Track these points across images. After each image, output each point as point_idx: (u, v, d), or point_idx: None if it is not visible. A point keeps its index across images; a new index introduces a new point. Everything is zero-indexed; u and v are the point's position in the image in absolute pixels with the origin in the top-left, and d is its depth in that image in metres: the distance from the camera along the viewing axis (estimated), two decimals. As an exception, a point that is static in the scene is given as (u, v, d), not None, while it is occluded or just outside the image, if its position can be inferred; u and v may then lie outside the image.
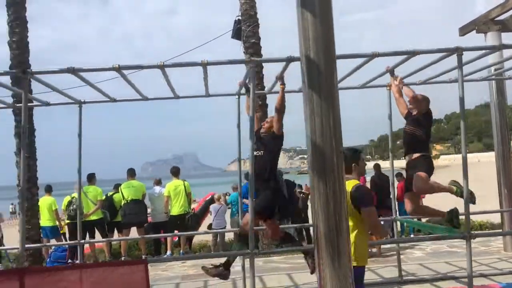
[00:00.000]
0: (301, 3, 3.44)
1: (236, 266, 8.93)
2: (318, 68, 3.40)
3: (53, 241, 10.94)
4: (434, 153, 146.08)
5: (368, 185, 11.96)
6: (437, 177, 6.10)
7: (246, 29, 10.47)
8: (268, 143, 5.86)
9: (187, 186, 10.74)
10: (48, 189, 11.50)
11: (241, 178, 7.78)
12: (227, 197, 13.99)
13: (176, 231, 10.36)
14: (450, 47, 5.43)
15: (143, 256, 10.57)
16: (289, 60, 5.26)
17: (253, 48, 10.49)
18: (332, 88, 3.41)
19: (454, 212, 5.82)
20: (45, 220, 10.92)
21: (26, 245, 9.86)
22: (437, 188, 5.85)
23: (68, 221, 10.69)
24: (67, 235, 11.04)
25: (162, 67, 5.11)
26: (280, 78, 5.84)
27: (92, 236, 10.46)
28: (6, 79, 9.36)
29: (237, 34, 10.71)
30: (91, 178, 10.73)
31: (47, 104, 6.37)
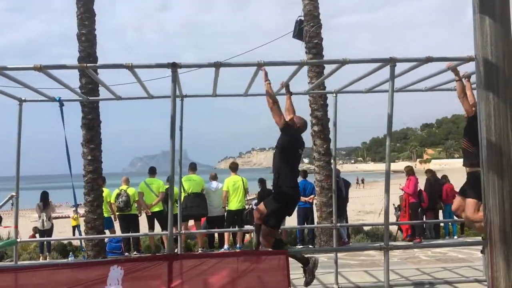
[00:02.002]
0: (479, 10, 3.60)
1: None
2: (497, 71, 3.56)
3: (106, 232, 11.10)
4: (425, 157, 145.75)
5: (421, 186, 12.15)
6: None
7: (310, 29, 10.58)
8: (278, 138, 5.53)
9: (245, 182, 10.90)
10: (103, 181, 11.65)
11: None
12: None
13: (232, 226, 10.58)
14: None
15: (200, 250, 10.71)
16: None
17: (316, 48, 10.60)
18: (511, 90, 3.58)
19: None
20: (100, 211, 11.06)
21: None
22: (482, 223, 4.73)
23: (117, 213, 10.87)
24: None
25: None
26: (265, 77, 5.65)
27: (152, 227, 10.68)
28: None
29: (299, 34, 10.81)
30: (153, 171, 10.98)
31: (152, 97, 6.53)
